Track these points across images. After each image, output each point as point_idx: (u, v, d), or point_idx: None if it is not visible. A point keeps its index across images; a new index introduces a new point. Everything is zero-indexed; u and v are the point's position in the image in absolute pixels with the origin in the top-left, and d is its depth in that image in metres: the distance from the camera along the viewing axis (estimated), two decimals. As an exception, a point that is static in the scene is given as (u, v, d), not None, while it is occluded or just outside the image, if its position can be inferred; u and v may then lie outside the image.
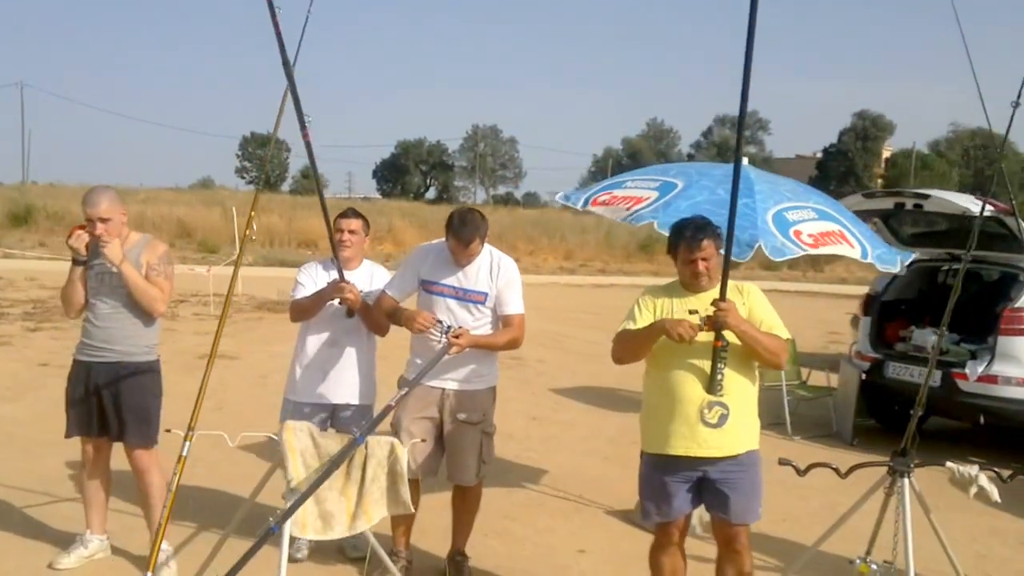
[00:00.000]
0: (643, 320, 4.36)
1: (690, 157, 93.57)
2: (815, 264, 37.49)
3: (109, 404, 5.09)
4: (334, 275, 5.34)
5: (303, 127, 4.51)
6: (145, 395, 5.18)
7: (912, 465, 4.43)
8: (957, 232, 8.82)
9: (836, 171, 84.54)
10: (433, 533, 5.52)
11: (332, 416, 5.50)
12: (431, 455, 5.09)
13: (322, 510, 3.38)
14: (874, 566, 4.40)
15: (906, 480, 4.38)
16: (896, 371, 9.02)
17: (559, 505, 6.82)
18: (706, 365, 4.19)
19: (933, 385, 8.62)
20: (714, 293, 4.28)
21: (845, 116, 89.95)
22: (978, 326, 9.20)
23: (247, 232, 4.67)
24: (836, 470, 4.63)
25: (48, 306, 15.94)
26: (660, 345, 4.27)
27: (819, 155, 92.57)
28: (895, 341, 9.51)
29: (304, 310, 5.44)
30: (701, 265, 4.31)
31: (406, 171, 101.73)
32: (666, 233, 5.31)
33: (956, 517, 6.31)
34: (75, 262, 5.06)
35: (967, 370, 8.48)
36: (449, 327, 4.87)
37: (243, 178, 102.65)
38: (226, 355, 12.02)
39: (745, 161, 6.38)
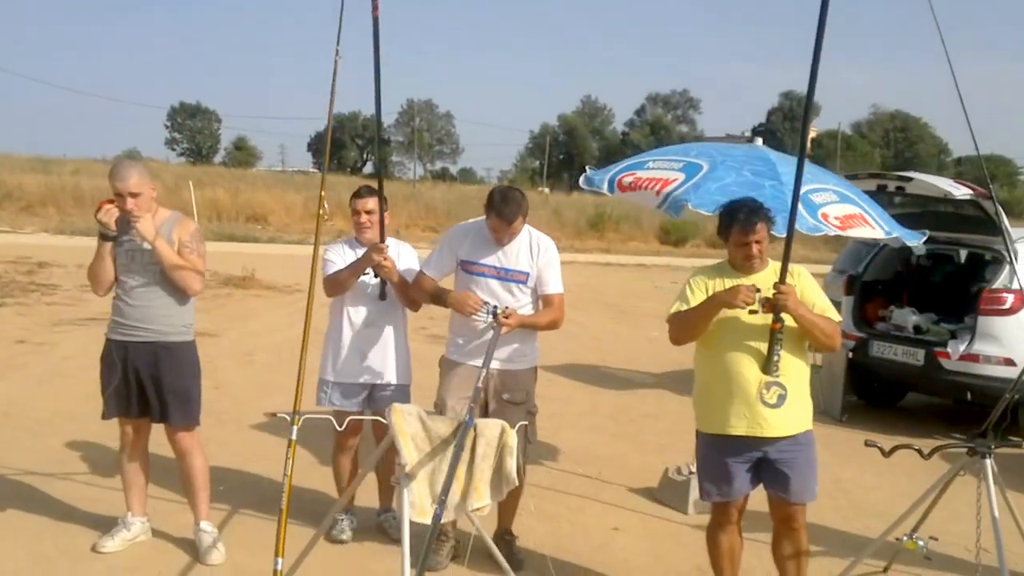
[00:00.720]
0: (696, 300, 4.42)
1: (624, 135, 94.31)
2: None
3: (149, 385, 5.00)
4: (361, 253, 5.32)
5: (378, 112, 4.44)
6: (185, 376, 5.09)
7: (993, 446, 4.51)
8: (935, 214, 9.04)
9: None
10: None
11: (370, 395, 5.47)
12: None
13: (434, 492, 3.40)
14: (921, 543, 4.47)
15: (988, 461, 4.47)
16: (880, 350, 9.23)
17: (583, 484, 6.89)
18: (761, 346, 4.27)
19: (917, 364, 8.89)
20: (764, 275, 4.38)
21: (773, 96, 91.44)
22: (955, 306, 9.47)
23: (320, 212, 4.58)
24: (919, 451, 4.74)
25: (4, 280, 15.55)
26: (715, 325, 4.35)
27: (747, 134, 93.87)
28: (875, 320, 9.74)
29: (339, 283, 5.35)
30: (755, 248, 4.38)
31: (342, 145, 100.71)
32: (705, 212, 5.44)
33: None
34: (104, 237, 4.92)
35: (949, 349, 8.70)
36: (496, 308, 4.86)
37: (173, 150, 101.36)
38: (206, 332, 11.80)
39: (759, 142, 6.50)
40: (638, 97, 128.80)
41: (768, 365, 4.25)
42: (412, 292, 5.25)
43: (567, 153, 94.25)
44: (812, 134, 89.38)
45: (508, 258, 5.08)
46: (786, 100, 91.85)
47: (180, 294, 5.00)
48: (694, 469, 6.37)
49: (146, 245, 4.84)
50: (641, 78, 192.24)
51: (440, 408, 5.10)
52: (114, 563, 4.99)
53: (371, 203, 5.40)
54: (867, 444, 4.79)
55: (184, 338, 5.10)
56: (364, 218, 5.42)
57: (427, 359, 5.83)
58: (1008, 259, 8.43)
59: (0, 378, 9.05)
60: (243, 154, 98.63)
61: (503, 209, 4.90)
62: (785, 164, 5.98)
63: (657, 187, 5.85)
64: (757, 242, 4.37)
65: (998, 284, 8.61)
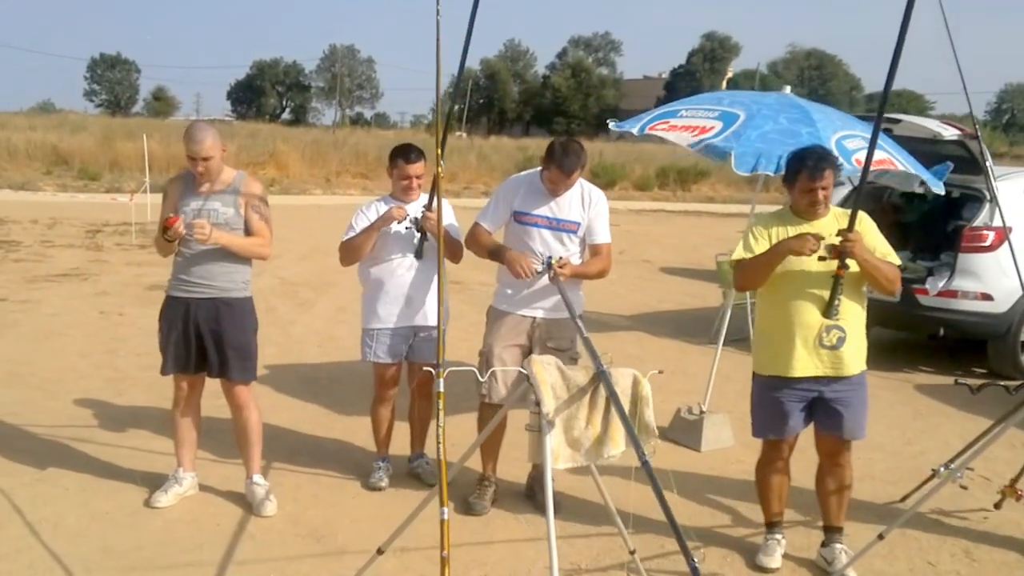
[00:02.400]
0: (760, 247, 4.56)
1: (545, 78, 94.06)
2: (683, 184, 38.55)
3: (210, 341, 5.06)
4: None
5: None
6: (246, 331, 5.17)
7: None
8: (916, 154, 9.27)
9: (684, 92, 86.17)
10: (505, 460, 5.61)
11: (412, 343, 5.54)
12: (520, 383, 5.19)
13: (570, 439, 3.49)
14: (959, 473, 4.70)
15: None
16: (860, 287, 9.50)
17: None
18: (822, 291, 4.45)
19: (894, 300, 9.15)
20: (825, 221, 4.52)
21: (694, 38, 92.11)
22: (930, 244, 9.79)
23: (438, 170, 4.61)
24: (1006, 388, 4.94)
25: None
26: (777, 273, 4.50)
27: (664, 76, 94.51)
28: (851, 259, 9.98)
29: (354, 250, 5.41)
30: (821, 194, 4.50)
31: (262, 92, 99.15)
32: (743, 173, 5.61)
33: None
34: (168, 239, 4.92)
35: (927, 286, 9.00)
36: (550, 258, 4.95)
37: (92, 101, 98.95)
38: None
39: (787, 90, 6.64)
40: (561, 40, 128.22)
41: (829, 309, 4.44)
42: (469, 245, 5.29)
43: (487, 97, 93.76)
44: (729, 74, 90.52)
45: (560, 208, 5.16)
46: (707, 41, 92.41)
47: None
48: (705, 408, 6.66)
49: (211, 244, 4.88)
50: (564, 21, 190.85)
51: (487, 356, 5.22)
52: (171, 517, 5.04)
53: (421, 168, 5.45)
54: (957, 383, 5.05)
55: (244, 294, 5.16)
56: (413, 183, 5.45)
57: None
58: (991, 197, 8.71)
59: (-7, 338, 8.87)
60: (162, 104, 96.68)
61: (564, 161, 4.96)
62: (818, 111, 6.14)
63: (694, 132, 5.95)
64: (823, 188, 4.50)
65: (979, 222, 8.90)
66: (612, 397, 3.44)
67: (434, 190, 5.09)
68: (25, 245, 14.94)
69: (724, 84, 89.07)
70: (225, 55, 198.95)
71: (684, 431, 6.70)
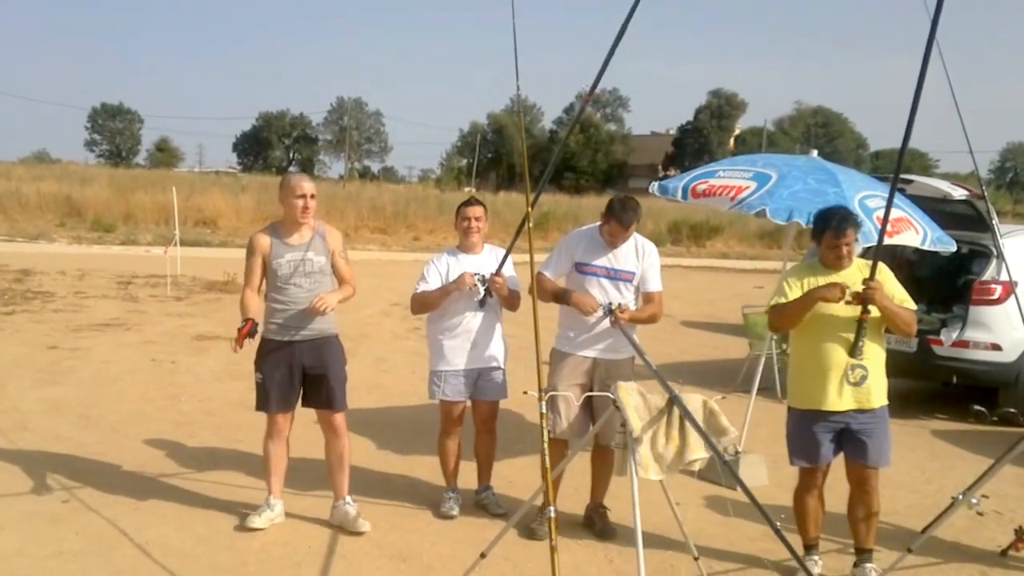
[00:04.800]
0: (793, 294, 5.17)
1: (552, 133, 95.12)
2: (697, 240, 39.16)
3: (317, 378, 5.61)
4: (464, 258, 6.04)
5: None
6: (342, 365, 5.76)
7: None
8: (929, 213, 9.85)
9: (692, 148, 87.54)
10: (563, 492, 6.11)
11: (476, 382, 6.09)
12: (581, 419, 5.74)
13: (655, 453, 4.09)
14: (974, 500, 5.17)
15: None
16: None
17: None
18: (848, 334, 5.05)
19: (910, 351, 9.69)
20: (850, 272, 5.13)
21: (701, 95, 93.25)
22: (942, 297, 10.33)
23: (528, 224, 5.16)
24: (1015, 414, 5.39)
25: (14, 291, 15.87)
26: (809, 318, 5.10)
27: (672, 132, 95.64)
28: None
29: (427, 305, 6.01)
30: (844, 249, 5.16)
31: (268, 144, 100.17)
32: (779, 222, 6.20)
33: None
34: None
35: (943, 336, 9.54)
36: (611, 304, 5.53)
37: (93, 151, 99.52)
38: (220, 336, 12.34)
39: (815, 154, 7.25)
40: (568, 95, 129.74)
41: (854, 350, 5.05)
42: (537, 292, 5.83)
43: (496, 152, 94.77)
44: (736, 131, 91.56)
45: (618, 260, 5.78)
46: (714, 98, 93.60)
47: None
48: (741, 449, 7.15)
49: (310, 255, 5.54)
50: (570, 77, 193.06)
51: (552, 395, 5.74)
52: (266, 539, 5.56)
53: (479, 211, 6.13)
54: (974, 409, 5.55)
55: (336, 331, 5.77)
56: (473, 224, 6.09)
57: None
58: (997, 253, 9.27)
59: (57, 383, 9.41)
60: (165, 155, 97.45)
61: (623, 216, 5.60)
62: (843, 173, 6.76)
63: (731, 193, 6.56)
64: (847, 244, 5.15)
65: (987, 276, 9.47)
66: (686, 416, 4.00)
67: (505, 257, 5.95)
68: (60, 296, 15.43)
69: (732, 141, 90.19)
70: (230, 106, 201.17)
71: (717, 471, 7.15)
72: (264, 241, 5.55)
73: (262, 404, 5.70)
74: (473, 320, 6.02)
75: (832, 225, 5.15)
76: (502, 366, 6.15)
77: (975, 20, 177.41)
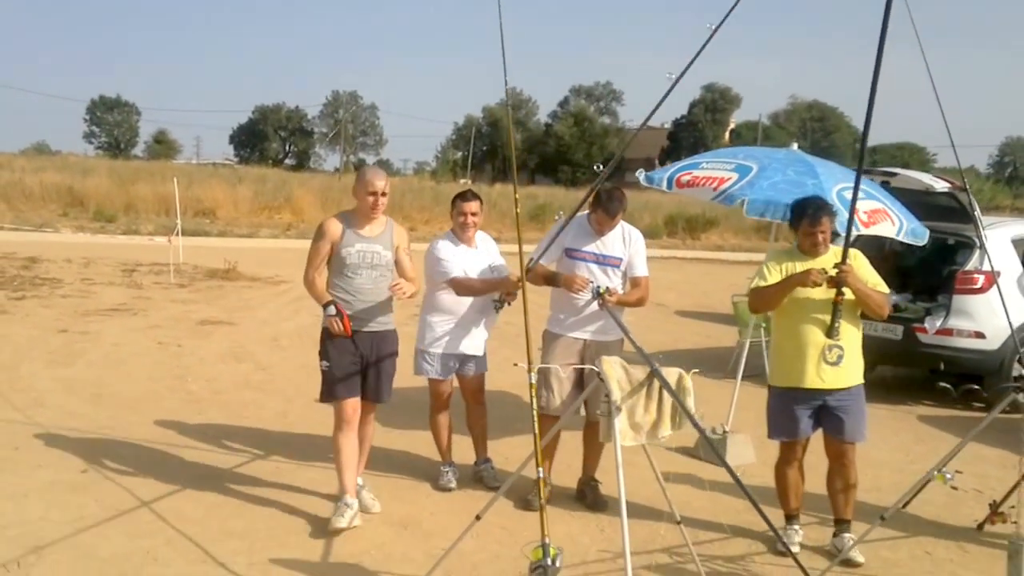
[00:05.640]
0: (773, 278, 5.49)
1: (547, 127, 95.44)
2: (692, 232, 39.45)
3: (373, 369, 5.72)
4: (463, 249, 6.33)
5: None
6: (395, 360, 5.88)
7: None
8: (913, 205, 10.14)
9: (687, 141, 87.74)
10: (557, 468, 6.46)
11: (461, 364, 6.42)
12: (572, 396, 6.03)
13: (632, 423, 4.41)
14: (950, 475, 5.46)
15: None
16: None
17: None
18: (825, 316, 5.36)
19: (896, 338, 10.00)
20: (826, 258, 5.44)
21: (695, 89, 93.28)
22: (927, 286, 10.63)
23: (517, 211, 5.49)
24: (979, 390, 5.67)
25: (8, 276, 16.12)
26: (788, 300, 5.42)
27: (667, 126, 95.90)
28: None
29: (472, 291, 6.26)
30: (820, 236, 5.47)
31: (264, 137, 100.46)
32: (754, 217, 6.52)
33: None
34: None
35: (927, 324, 9.83)
36: (599, 287, 5.82)
37: (91, 143, 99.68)
38: (224, 321, 12.74)
39: (795, 146, 7.54)
40: (562, 89, 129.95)
41: (831, 331, 5.36)
42: (529, 276, 6.13)
43: (491, 144, 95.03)
44: (731, 125, 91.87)
45: (605, 246, 6.08)
46: (707, 92, 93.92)
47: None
48: (728, 428, 7.47)
49: (379, 249, 5.66)
50: (565, 70, 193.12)
51: (544, 373, 6.04)
52: (274, 508, 5.89)
53: (476, 206, 6.37)
54: (939, 386, 5.83)
55: (393, 327, 5.88)
56: (469, 219, 6.34)
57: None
58: (980, 244, 9.57)
59: (69, 364, 9.70)
60: (163, 147, 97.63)
61: (609, 206, 5.91)
62: (822, 166, 7.07)
63: (713, 184, 6.86)
64: (822, 232, 5.47)
65: (970, 266, 9.76)
66: (667, 388, 4.33)
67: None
68: (67, 283, 15.73)
69: (727, 135, 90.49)
70: (226, 99, 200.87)
71: (708, 449, 7.46)
72: (336, 228, 5.58)
73: (328, 393, 5.67)
74: (465, 308, 6.32)
75: (808, 214, 5.46)
76: (483, 353, 6.49)
77: (978, 14, 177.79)
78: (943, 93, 5.75)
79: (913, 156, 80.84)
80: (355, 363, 5.63)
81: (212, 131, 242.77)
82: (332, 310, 5.46)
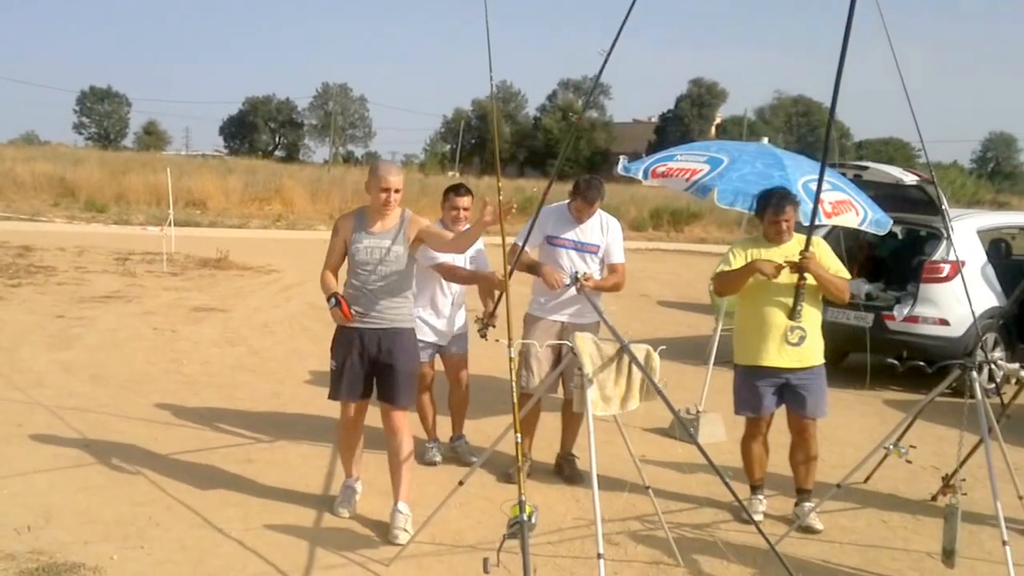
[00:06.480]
0: (737, 263, 5.84)
1: (536, 120, 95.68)
2: (676, 225, 39.85)
3: (382, 369, 5.48)
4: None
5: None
6: (412, 360, 5.65)
7: (978, 362, 5.63)
8: (884, 197, 10.51)
9: (673, 135, 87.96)
10: (537, 445, 6.85)
11: (440, 346, 6.75)
12: (550, 375, 6.36)
13: (603, 395, 4.76)
14: (904, 450, 5.81)
15: (974, 373, 5.47)
16: (832, 315, 10.58)
17: (603, 426, 8.04)
18: (787, 299, 5.73)
19: (866, 326, 10.36)
20: (790, 245, 5.79)
21: (682, 83, 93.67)
22: (898, 275, 11.01)
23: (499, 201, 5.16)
24: (924, 367, 6.03)
25: (3, 264, 16.42)
26: (752, 284, 5.78)
27: (654, 120, 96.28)
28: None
29: (459, 279, 6.54)
30: (784, 224, 5.84)
31: (255, 128, 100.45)
32: (724, 206, 6.89)
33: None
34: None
35: (895, 312, 10.21)
36: (577, 273, 6.15)
37: (81, 134, 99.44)
38: (217, 308, 13.09)
39: (765, 140, 7.91)
40: (551, 82, 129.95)
41: (793, 313, 5.74)
42: (508, 260, 6.44)
43: (479, 137, 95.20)
44: (718, 119, 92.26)
45: (584, 233, 6.43)
46: (694, 87, 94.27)
47: (409, 286, 5.61)
48: (701, 409, 7.82)
49: (385, 244, 5.46)
50: (554, 64, 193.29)
51: (524, 354, 6.40)
52: (267, 480, 6.21)
53: (467, 201, 6.64)
54: (886, 362, 6.19)
55: (410, 325, 5.67)
56: (461, 214, 6.62)
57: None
58: (946, 235, 9.95)
59: (67, 348, 10.03)
60: (153, 138, 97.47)
61: (588, 194, 6.27)
62: (789, 158, 7.44)
63: (686, 175, 7.22)
64: (786, 220, 5.84)
65: (937, 256, 10.13)
66: (635, 363, 4.69)
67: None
68: (62, 271, 16.02)
69: (713, 129, 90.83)
70: (216, 91, 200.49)
71: (682, 428, 7.81)
72: (347, 225, 5.55)
73: (333, 391, 5.62)
74: (443, 299, 6.65)
75: (772, 203, 5.83)
76: (466, 328, 6.84)
77: (961, 14, 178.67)
78: (930, 90, 6.11)
79: (899, 151, 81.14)
80: (360, 364, 5.49)
81: (201, 122, 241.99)
82: (332, 301, 5.38)
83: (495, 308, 6.35)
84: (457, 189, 6.72)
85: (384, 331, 5.47)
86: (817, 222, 6.97)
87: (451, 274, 6.48)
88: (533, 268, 6.40)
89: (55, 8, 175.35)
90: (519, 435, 4.31)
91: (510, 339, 4.60)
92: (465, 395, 6.95)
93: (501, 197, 4.90)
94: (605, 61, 5.92)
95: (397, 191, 5.41)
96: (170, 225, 18.78)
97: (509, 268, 5.27)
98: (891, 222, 7.93)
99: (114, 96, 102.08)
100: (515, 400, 4.44)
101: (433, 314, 6.62)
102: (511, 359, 4.61)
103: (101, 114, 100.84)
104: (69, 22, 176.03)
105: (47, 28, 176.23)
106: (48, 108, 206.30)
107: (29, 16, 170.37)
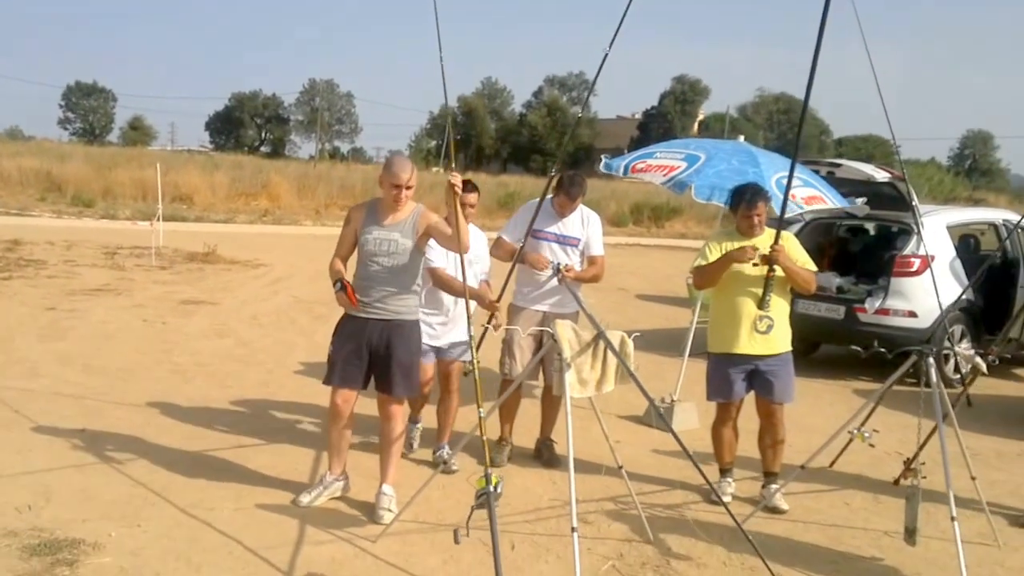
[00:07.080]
0: (713, 256, 6.12)
1: (522, 116, 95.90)
2: (657, 220, 40.20)
3: (381, 359, 5.57)
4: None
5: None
6: (413, 352, 5.72)
7: (935, 349, 5.91)
8: (856, 194, 10.82)
9: (656, 132, 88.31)
10: (517, 431, 7.10)
11: (441, 350, 6.77)
12: (532, 362, 6.62)
13: (580, 378, 5.05)
14: (867, 434, 6.10)
15: (931, 359, 5.68)
16: (805, 307, 10.86)
17: (580, 412, 8.18)
18: (758, 290, 6.02)
19: (838, 318, 10.69)
20: (762, 239, 6.06)
21: (665, 80, 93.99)
22: (870, 269, 11.32)
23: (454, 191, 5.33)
24: (885, 352, 6.33)
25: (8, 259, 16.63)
26: (725, 275, 6.05)
27: (638, 116, 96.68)
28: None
29: (450, 289, 6.44)
30: (756, 219, 6.11)
31: (240, 124, 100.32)
32: (701, 200, 7.18)
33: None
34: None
35: (866, 305, 10.53)
36: (559, 264, 6.43)
37: (66, 129, 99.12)
38: (206, 301, 13.32)
39: (741, 138, 8.21)
40: (536, 79, 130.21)
41: (762, 303, 6.03)
42: (495, 252, 6.74)
43: (465, 134, 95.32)
44: (700, 116, 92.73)
45: (566, 227, 6.72)
46: (678, 84, 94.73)
47: (414, 279, 5.68)
48: (676, 397, 8.11)
49: (394, 235, 5.53)
50: (539, 60, 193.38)
51: (508, 342, 6.67)
52: (259, 462, 6.46)
53: (474, 198, 6.70)
54: (852, 348, 6.53)
55: (413, 317, 5.72)
56: (467, 211, 6.52)
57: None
58: (916, 230, 10.26)
59: (60, 339, 10.26)
60: (138, 134, 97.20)
61: (570, 189, 6.57)
62: (763, 156, 7.75)
63: (665, 172, 7.52)
64: (758, 215, 6.12)
65: (907, 251, 10.46)
66: (611, 349, 4.98)
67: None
68: (51, 264, 16.23)
69: (696, 126, 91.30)
70: (202, 86, 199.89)
71: (656, 417, 8.09)
72: (358, 215, 5.64)
73: (327, 376, 5.69)
74: (449, 300, 6.62)
75: (746, 199, 6.11)
76: (467, 339, 6.86)
77: (940, 13, 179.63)
78: (908, 88, 6.36)
79: (878, 148, 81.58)
80: (358, 353, 5.58)
81: (186, 117, 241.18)
82: (339, 286, 5.45)
83: (491, 318, 6.59)
84: (466, 187, 6.64)
85: (387, 322, 5.57)
86: (796, 210, 7.30)
87: (443, 283, 6.46)
88: (518, 256, 6.61)
89: (39, 2, 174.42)
90: (482, 409, 4.58)
91: (469, 319, 4.91)
92: (453, 406, 6.86)
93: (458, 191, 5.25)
94: (603, 61, 6.21)
95: (408, 187, 5.49)
96: (159, 220, 18.94)
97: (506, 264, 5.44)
98: (861, 202, 8.23)
99: (100, 91, 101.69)
100: (476, 379, 4.75)
101: (444, 319, 6.69)
102: (471, 337, 4.92)
103: (86, 109, 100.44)
104: (54, 16, 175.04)
105: (32, 22, 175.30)
106: (33, 103, 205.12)
107: (13, 10, 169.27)
